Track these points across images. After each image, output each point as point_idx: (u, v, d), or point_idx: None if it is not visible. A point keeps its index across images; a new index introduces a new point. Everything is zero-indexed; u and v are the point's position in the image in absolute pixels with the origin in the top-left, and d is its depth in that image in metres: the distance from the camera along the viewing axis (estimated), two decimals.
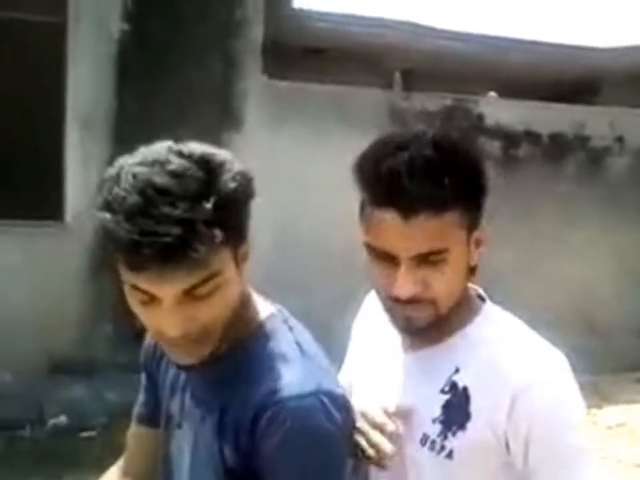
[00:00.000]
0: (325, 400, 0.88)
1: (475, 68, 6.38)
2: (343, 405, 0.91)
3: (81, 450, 3.78)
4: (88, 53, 4.79)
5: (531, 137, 5.86)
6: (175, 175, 0.83)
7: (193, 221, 0.80)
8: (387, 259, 0.94)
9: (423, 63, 6.23)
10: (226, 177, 0.85)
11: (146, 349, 1.12)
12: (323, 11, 5.90)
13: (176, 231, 0.79)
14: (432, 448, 0.97)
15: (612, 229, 6.04)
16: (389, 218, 0.92)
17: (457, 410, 0.96)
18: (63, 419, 4.18)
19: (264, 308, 1.00)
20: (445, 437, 0.96)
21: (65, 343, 4.52)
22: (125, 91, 4.86)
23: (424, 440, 0.98)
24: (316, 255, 5.00)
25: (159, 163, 0.85)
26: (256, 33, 5.14)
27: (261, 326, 0.96)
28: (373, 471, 1.05)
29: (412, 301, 0.94)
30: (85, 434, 4.07)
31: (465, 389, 0.96)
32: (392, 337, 1.08)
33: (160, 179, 0.82)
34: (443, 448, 0.96)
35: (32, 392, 4.23)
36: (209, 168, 0.85)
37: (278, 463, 0.87)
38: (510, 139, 5.75)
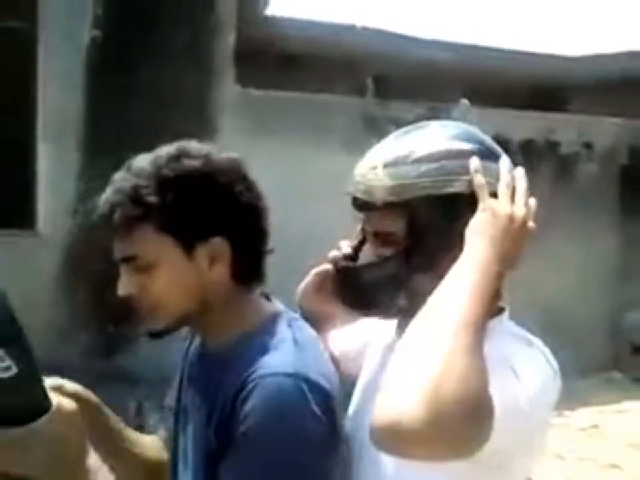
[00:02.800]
0: (303, 385, 0.88)
1: (447, 75, 6.46)
2: (323, 399, 0.90)
3: None
4: (58, 60, 4.75)
5: (502, 143, 5.93)
6: (150, 159, 0.96)
7: (124, 193, 0.93)
8: None
9: (396, 70, 6.29)
10: (174, 165, 0.94)
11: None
12: (295, 19, 5.92)
13: (112, 198, 0.93)
14: None
15: (581, 233, 6.14)
16: None
17: None
18: None
19: (267, 308, 1.03)
20: None
21: (38, 353, 4.45)
22: (97, 99, 4.82)
23: None
24: (290, 262, 5.00)
25: (158, 150, 0.99)
26: (228, 41, 5.14)
27: (259, 323, 0.98)
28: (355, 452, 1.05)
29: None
30: None
31: None
32: (388, 333, 1.09)
33: (137, 162, 0.97)
34: None
35: None
36: (171, 157, 0.96)
37: (243, 435, 0.87)
38: None
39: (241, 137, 5.09)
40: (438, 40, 6.30)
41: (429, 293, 0.95)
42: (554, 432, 4.51)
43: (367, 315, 1.05)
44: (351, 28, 5.98)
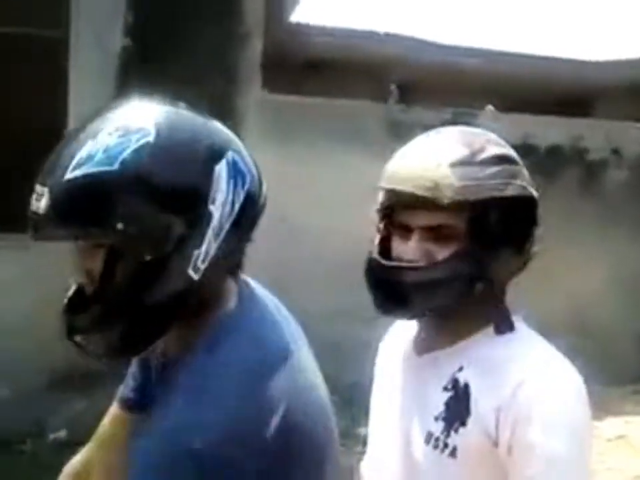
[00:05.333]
0: (185, 454, 0.74)
1: (473, 81, 6.43)
2: (211, 464, 0.74)
3: None
4: (89, 68, 4.83)
5: (528, 149, 5.89)
6: None
7: None
8: None
9: (420, 76, 6.28)
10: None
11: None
12: (321, 25, 5.95)
13: None
14: (436, 446, 0.97)
15: (609, 241, 6.05)
16: None
17: (458, 406, 0.96)
18: (63, 433, 4.17)
19: (216, 311, 0.85)
20: (448, 434, 0.96)
21: (65, 356, 4.50)
22: None
23: (428, 438, 0.99)
24: (315, 269, 5.01)
25: None
26: (255, 47, 5.18)
27: (196, 341, 0.83)
28: (378, 473, 1.06)
29: None
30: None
31: (467, 386, 0.97)
32: (405, 344, 1.11)
33: None
34: (446, 445, 0.96)
35: (32, 406, 4.22)
36: None
37: None
38: None
39: (266, 142, 5.12)
40: (463, 45, 6.28)
41: (486, 294, 1.00)
42: None
43: (395, 315, 1.06)
44: (376, 34, 5.99)
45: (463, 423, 0.95)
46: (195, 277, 0.79)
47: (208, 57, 5.04)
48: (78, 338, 0.87)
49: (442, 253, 0.98)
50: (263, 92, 5.21)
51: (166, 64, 4.92)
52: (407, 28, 6.15)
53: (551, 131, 6.02)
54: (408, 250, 0.99)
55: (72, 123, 4.85)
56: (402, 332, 1.14)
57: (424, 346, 1.06)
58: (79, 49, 4.81)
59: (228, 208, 0.81)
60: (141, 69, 4.88)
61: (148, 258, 0.77)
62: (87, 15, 4.79)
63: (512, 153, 1.06)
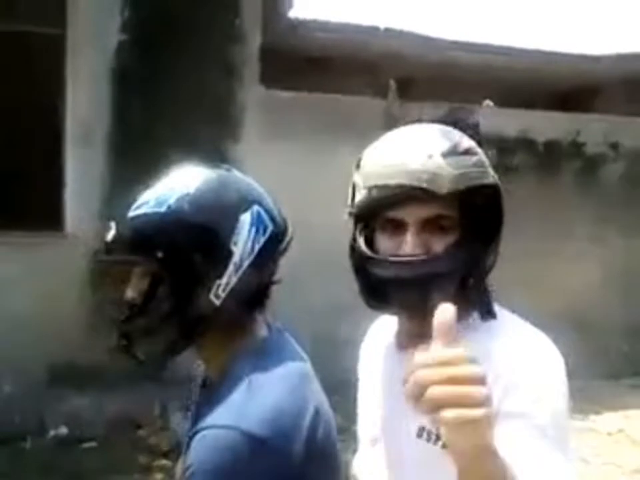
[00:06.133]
0: (238, 437, 0.89)
1: (471, 76, 6.43)
2: (260, 447, 0.90)
3: (82, 461, 3.78)
4: (87, 64, 4.82)
5: (527, 144, 5.90)
6: None
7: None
8: None
9: (419, 71, 6.28)
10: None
11: None
12: (320, 21, 5.94)
13: None
14: (428, 439, 0.97)
15: (607, 235, 6.06)
16: None
17: None
18: (63, 429, 4.18)
19: (250, 338, 1.04)
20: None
21: (66, 353, 4.52)
22: (124, 102, 4.88)
23: (420, 432, 0.98)
24: (314, 265, 5.02)
25: None
26: (254, 43, 5.18)
27: (235, 359, 1.01)
28: (371, 470, 1.07)
29: None
30: (85, 444, 4.07)
31: None
32: (388, 340, 1.11)
33: None
34: (438, 437, 0.95)
35: (33, 403, 4.23)
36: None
37: None
38: (505, 146, 5.79)
39: (265, 138, 5.13)
40: (461, 41, 6.27)
41: (475, 283, 1.00)
42: (579, 436, 4.45)
43: (407, 311, 1.03)
44: (375, 29, 5.98)
45: None
46: (216, 302, 0.99)
47: (206, 53, 5.03)
48: (124, 342, 1.05)
49: (440, 244, 0.97)
50: (262, 87, 5.20)
51: (164, 60, 4.92)
52: (406, 23, 6.15)
53: (549, 125, 6.02)
54: (405, 245, 0.97)
55: (69, 119, 4.85)
56: (383, 329, 1.14)
57: (409, 340, 1.05)
58: (77, 45, 4.80)
59: (248, 249, 1.01)
60: (139, 64, 4.88)
61: (180, 283, 0.99)
62: (84, 11, 4.78)
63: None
